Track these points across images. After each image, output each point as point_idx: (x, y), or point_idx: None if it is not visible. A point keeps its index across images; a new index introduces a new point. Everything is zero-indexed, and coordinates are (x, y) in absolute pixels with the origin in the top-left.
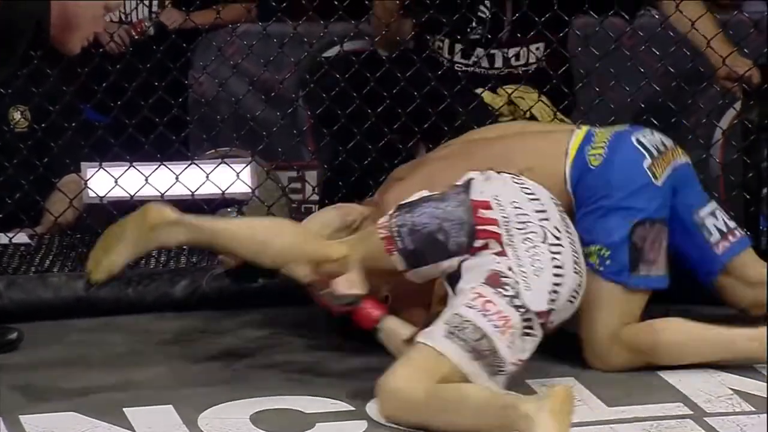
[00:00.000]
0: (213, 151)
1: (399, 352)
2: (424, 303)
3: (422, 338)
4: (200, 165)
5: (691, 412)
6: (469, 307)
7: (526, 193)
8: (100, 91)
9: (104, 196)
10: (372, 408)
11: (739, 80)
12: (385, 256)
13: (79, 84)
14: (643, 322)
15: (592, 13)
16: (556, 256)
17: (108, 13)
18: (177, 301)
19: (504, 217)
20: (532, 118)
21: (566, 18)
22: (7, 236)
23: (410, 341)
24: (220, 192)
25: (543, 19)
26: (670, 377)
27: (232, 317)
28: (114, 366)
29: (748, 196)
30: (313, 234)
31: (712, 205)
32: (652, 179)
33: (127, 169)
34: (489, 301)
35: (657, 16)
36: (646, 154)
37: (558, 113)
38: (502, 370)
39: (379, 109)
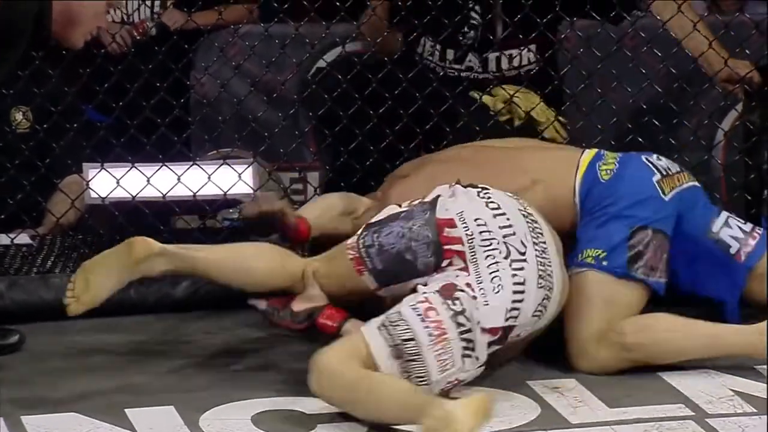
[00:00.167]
0: (215, 151)
1: None
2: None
3: (363, 325)
4: (202, 166)
5: (693, 414)
6: (413, 308)
7: (492, 208)
8: (102, 92)
9: (106, 197)
10: None
11: (740, 81)
12: (355, 275)
13: (80, 84)
14: (629, 319)
15: (581, 15)
16: (518, 272)
17: (110, 8)
18: (178, 301)
19: (468, 234)
20: (531, 119)
21: (567, 19)
22: (9, 237)
23: None
24: (222, 193)
25: (543, 20)
26: (671, 378)
27: (233, 318)
28: (115, 367)
29: (749, 198)
30: (289, 254)
31: (723, 215)
32: (660, 193)
33: (128, 170)
34: (432, 309)
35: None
36: (656, 171)
37: (557, 114)
38: (423, 381)
39: (380, 111)
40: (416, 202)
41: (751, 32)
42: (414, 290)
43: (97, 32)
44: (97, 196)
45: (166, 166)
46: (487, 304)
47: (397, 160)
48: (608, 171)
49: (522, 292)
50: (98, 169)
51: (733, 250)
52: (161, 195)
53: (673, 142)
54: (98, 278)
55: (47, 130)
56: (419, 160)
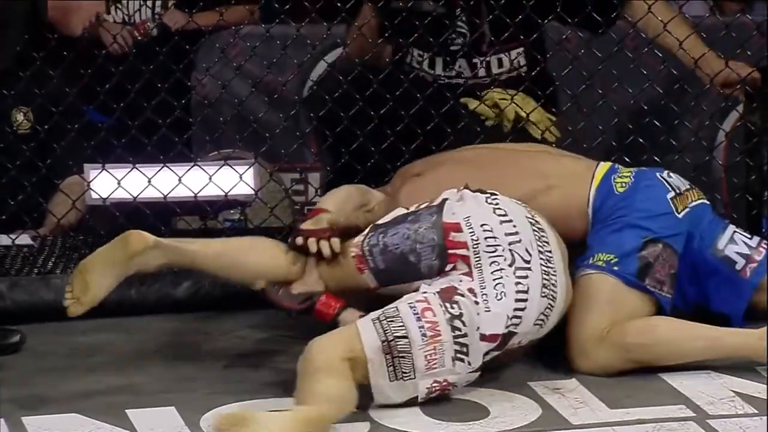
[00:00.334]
0: (216, 152)
1: None
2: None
3: (360, 314)
4: (203, 167)
5: (694, 414)
6: (410, 306)
7: (499, 215)
8: (103, 93)
9: (107, 198)
10: (374, 409)
11: (740, 83)
12: (355, 273)
13: (81, 85)
14: (630, 322)
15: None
16: (522, 280)
17: None
18: (179, 302)
19: (474, 239)
20: (517, 118)
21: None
22: (10, 238)
23: None
24: (223, 194)
25: (529, 21)
26: (672, 380)
27: (234, 318)
28: (116, 367)
29: (750, 199)
30: (283, 247)
31: (729, 231)
32: (674, 210)
33: (129, 171)
34: (430, 309)
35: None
36: (670, 189)
37: (544, 112)
38: (408, 376)
39: (376, 118)
40: (424, 205)
41: (752, 33)
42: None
43: (96, 21)
44: (98, 196)
45: (167, 166)
46: (489, 311)
47: (396, 163)
48: (623, 184)
49: (525, 300)
50: (99, 170)
51: (738, 267)
52: (162, 196)
53: (674, 143)
54: (95, 277)
55: (48, 131)
56: (433, 157)
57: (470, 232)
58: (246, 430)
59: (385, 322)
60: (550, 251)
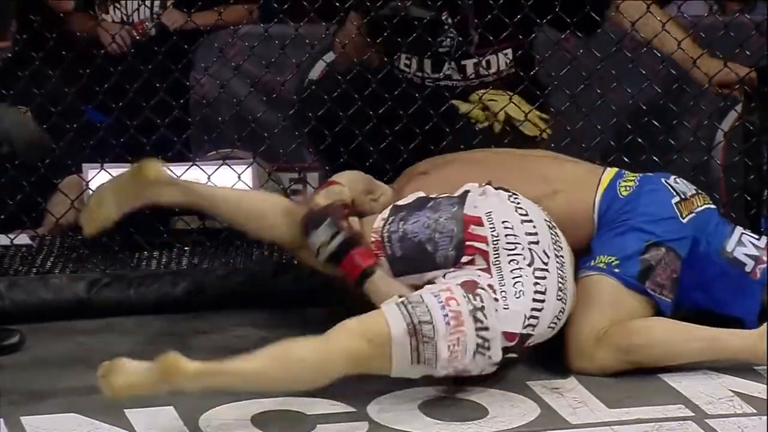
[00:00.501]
0: (214, 152)
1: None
2: None
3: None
4: (202, 166)
5: (692, 414)
6: (434, 295)
7: (520, 214)
8: (102, 92)
9: None
10: (373, 409)
11: (738, 83)
12: None
13: (80, 85)
14: (629, 322)
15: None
16: (540, 281)
17: None
18: (178, 301)
19: (494, 235)
20: (510, 119)
21: (546, 20)
22: (9, 237)
23: None
24: None
25: (517, 23)
26: (671, 379)
27: (232, 318)
28: None
29: (749, 198)
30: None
31: (737, 233)
32: (679, 216)
33: None
34: (453, 299)
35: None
36: (675, 194)
37: (534, 110)
38: (430, 363)
39: (368, 124)
40: (444, 195)
41: (751, 33)
42: (429, 283)
43: (96, 36)
44: None
45: (166, 166)
46: (507, 308)
47: (397, 161)
48: (627, 188)
49: (542, 301)
50: (98, 170)
51: (748, 268)
52: None
53: (672, 142)
54: (109, 200)
55: (47, 131)
56: (441, 158)
57: (491, 228)
58: (112, 376)
59: (410, 306)
60: (563, 256)
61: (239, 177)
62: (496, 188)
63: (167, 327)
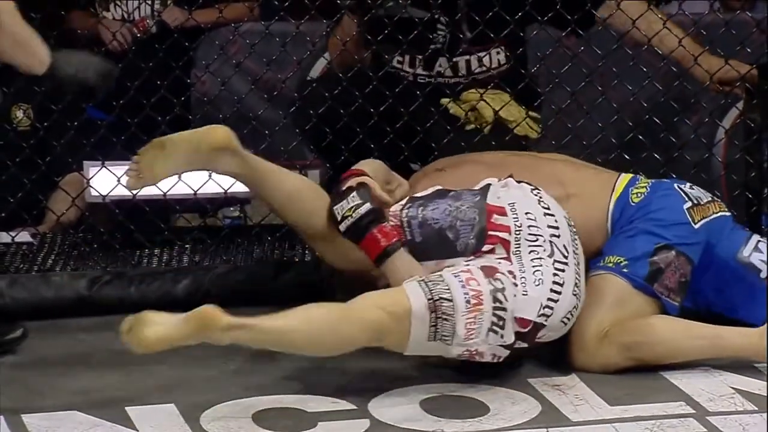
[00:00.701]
0: None
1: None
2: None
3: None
4: None
5: (694, 411)
6: (454, 275)
7: (543, 207)
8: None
9: (106, 195)
10: (374, 406)
11: (740, 80)
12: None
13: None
14: (631, 320)
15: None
16: (559, 273)
17: None
18: (179, 300)
19: (517, 225)
20: (501, 119)
21: (541, 18)
22: (10, 235)
23: None
24: (223, 191)
25: (510, 20)
26: (672, 377)
27: (233, 316)
28: (116, 365)
29: (750, 196)
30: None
31: (753, 240)
32: (690, 221)
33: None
34: (473, 279)
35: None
36: (687, 199)
37: (530, 111)
38: (447, 340)
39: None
40: (464, 188)
41: (752, 30)
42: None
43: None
44: (97, 194)
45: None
46: (526, 294)
47: (398, 158)
48: (639, 194)
49: (559, 292)
50: (99, 167)
51: (763, 274)
52: (162, 193)
53: (673, 140)
54: (169, 157)
55: (48, 128)
56: (457, 157)
57: (514, 218)
58: (140, 328)
59: (430, 283)
60: (579, 255)
61: None
62: (518, 182)
63: None
